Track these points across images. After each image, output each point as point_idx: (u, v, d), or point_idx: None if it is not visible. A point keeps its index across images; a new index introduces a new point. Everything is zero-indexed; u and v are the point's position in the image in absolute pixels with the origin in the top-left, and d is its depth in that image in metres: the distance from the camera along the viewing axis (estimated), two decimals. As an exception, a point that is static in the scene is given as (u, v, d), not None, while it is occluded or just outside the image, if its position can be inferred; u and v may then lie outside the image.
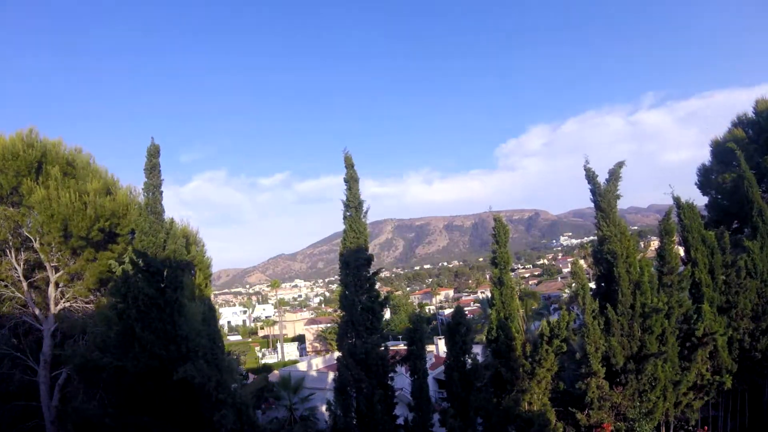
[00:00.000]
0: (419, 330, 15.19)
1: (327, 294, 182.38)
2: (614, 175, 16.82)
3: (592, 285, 17.33)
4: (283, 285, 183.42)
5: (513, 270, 22.32)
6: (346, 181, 15.13)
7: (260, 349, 74.23)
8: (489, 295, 16.66)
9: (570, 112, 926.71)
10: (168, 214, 13.14)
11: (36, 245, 15.91)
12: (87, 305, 16.64)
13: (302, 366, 35.13)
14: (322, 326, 70.65)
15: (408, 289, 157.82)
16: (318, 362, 35.36)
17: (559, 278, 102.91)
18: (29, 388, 15.80)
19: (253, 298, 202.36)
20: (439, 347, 33.23)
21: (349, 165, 15.16)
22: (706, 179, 27.33)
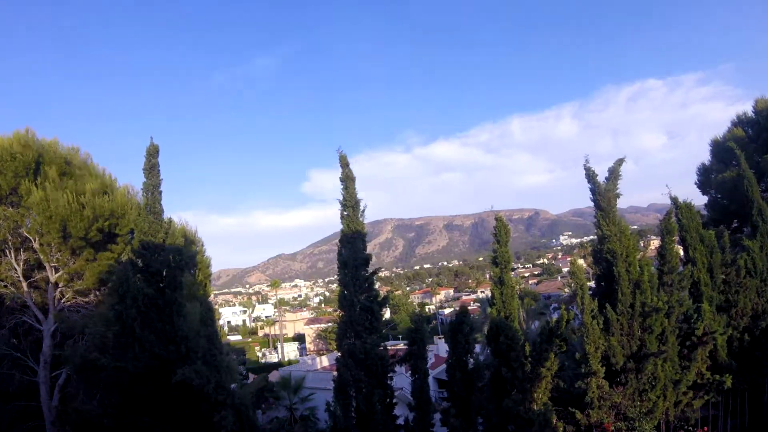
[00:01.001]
0: (420, 330, 15.16)
1: (327, 294, 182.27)
2: (614, 173, 16.73)
3: (592, 284, 17.29)
4: (283, 285, 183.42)
5: (513, 269, 22.30)
6: (342, 180, 15.02)
7: (260, 348, 74.37)
8: (489, 294, 16.60)
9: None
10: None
11: (35, 245, 15.88)
12: (87, 305, 16.62)
13: (309, 363, 35.27)
14: (323, 326, 70.71)
15: (408, 288, 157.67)
16: (323, 360, 35.44)
17: (559, 277, 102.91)
18: (29, 388, 15.76)
19: (253, 298, 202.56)
20: (439, 347, 33.26)
21: (345, 164, 15.03)
22: (705, 178, 27.34)
